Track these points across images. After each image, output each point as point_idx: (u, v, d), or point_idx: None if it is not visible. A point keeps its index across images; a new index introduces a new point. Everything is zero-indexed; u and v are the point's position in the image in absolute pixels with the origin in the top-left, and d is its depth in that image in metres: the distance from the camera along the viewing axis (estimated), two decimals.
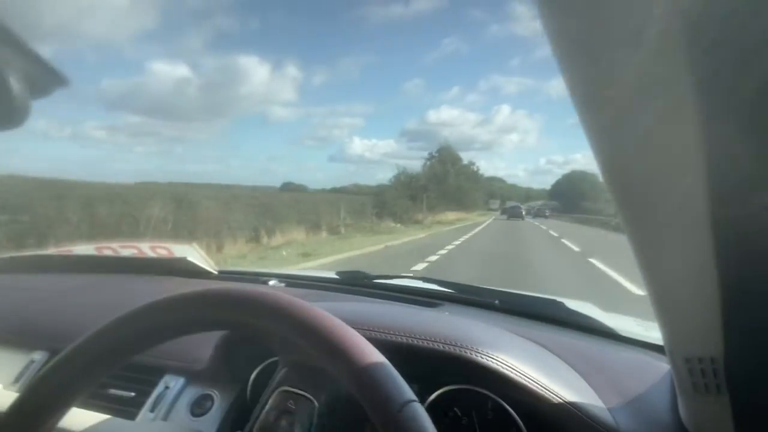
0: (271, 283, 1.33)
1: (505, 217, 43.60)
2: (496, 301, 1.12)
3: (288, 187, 35.28)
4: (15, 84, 0.48)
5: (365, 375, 0.41)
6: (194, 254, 1.44)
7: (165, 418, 0.79)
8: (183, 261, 1.42)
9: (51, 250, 1.59)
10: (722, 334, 0.44)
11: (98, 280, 1.37)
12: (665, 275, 0.44)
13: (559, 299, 1.11)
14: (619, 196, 0.38)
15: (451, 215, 36.78)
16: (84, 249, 1.53)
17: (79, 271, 1.45)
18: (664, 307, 0.48)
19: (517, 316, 1.08)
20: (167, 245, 1.47)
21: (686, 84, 0.28)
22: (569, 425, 0.64)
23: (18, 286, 1.36)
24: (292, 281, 1.37)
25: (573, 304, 1.09)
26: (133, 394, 0.84)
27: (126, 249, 1.49)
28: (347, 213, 20.34)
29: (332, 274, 1.41)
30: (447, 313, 1.07)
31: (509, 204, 54.92)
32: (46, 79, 0.54)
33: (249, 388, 0.82)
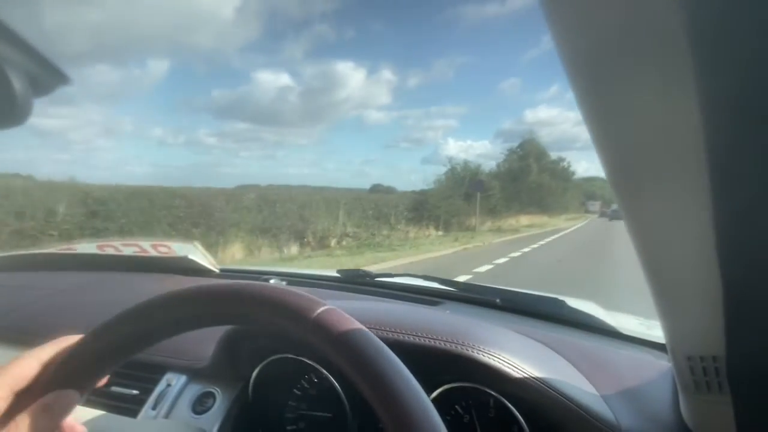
0: (272, 281, 1.33)
1: (605, 219, 38.84)
2: (498, 300, 1.12)
3: (376, 189, 33.43)
4: (17, 82, 0.48)
5: (395, 398, 0.40)
6: (196, 253, 1.44)
7: (167, 415, 0.80)
8: (184, 260, 1.42)
9: (54, 248, 1.59)
10: (724, 332, 0.44)
11: (100, 277, 1.37)
12: (667, 273, 0.44)
13: (561, 298, 1.11)
14: (621, 194, 0.38)
15: (523, 219, 29.59)
16: (86, 247, 1.54)
17: (82, 268, 1.46)
18: (666, 305, 0.48)
19: (519, 315, 1.08)
20: (169, 243, 1.48)
21: (690, 84, 0.28)
22: (571, 423, 0.64)
23: (21, 283, 1.37)
24: (294, 279, 1.37)
25: (575, 303, 1.09)
26: (135, 391, 0.84)
27: (128, 247, 1.50)
28: (368, 217, 16.06)
29: (334, 273, 1.41)
30: (448, 311, 1.07)
31: (613, 207, 51.13)
32: (47, 77, 0.54)
33: (251, 386, 0.82)
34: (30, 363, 0.45)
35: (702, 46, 0.26)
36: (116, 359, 0.47)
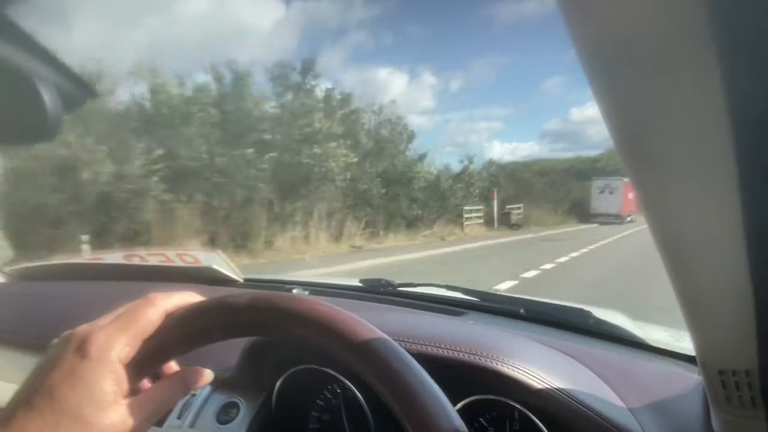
0: (295, 291, 1.34)
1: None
2: (522, 310, 1.11)
3: None
4: (48, 97, 0.50)
5: (412, 396, 0.40)
6: (220, 262, 1.46)
7: (192, 425, 0.80)
8: (209, 269, 1.44)
9: (81, 258, 1.63)
10: (758, 345, 0.42)
11: (126, 287, 1.40)
12: (697, 283, 0.43)
13: (586, 308, 1.09)
14: (646, 196, 0.37)
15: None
16: (113, 257, 1.57)
17: (108, 278, 1.48)
18: (696, 317, 0.47)
19: (543, 325, 1.06)
20: (194, 253, 1.50)
21: (719, 82, 0.27)
22: None
23: (48, 293, 1.40)
24: (316, 289, 1.37)
25: (601, 313, 1.07)
26: None
27: (154, 257, 1.52)
28: None
29: (356, 282, 1.42)
30: (472, 321, 1.06)
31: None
32: (77, 92, 0.55)
33: (274, 396, 0.82)
34: (158, 312, 0.45)
35: (732, 46, 0.25)
36: (208, 337, 0.46)
